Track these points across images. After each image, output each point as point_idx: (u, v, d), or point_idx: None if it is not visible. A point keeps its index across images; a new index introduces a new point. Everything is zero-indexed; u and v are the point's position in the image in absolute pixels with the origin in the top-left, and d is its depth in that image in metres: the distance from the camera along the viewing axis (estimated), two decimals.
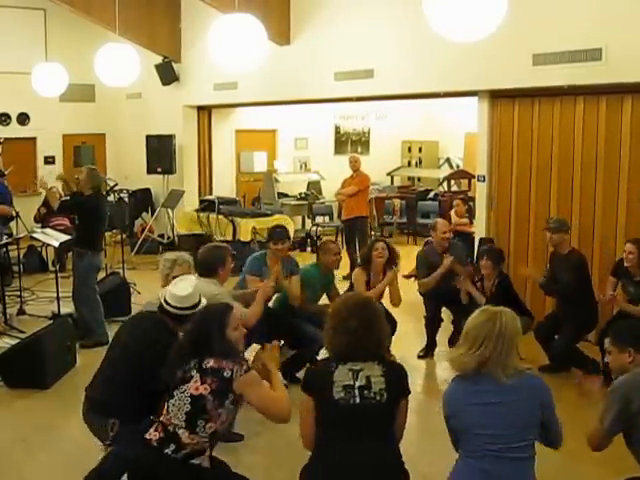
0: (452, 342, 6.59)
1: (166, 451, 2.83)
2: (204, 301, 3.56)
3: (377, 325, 2.98)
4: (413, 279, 7.08)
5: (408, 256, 6.99)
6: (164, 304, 3.48)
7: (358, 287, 5.90)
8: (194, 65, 11.24)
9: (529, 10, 6.66)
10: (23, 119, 12.36)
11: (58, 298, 7.26)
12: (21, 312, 7.62)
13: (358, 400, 2.85)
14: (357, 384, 2.86)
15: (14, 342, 6.24)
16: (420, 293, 6.52)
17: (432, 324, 6.48)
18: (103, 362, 3.67)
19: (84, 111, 12.74)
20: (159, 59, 11.53)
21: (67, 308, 7.21)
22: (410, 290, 6.74)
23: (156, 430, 2.89)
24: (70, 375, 5.98)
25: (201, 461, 2.85)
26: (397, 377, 2.95)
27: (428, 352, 6.53)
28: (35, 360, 5.63)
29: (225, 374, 2.84)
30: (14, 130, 12.06)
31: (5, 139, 10.38)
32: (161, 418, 2.95)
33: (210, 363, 2.88)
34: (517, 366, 2.83)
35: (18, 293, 7.88)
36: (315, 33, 9.28)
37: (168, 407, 2.94)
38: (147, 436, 2.89)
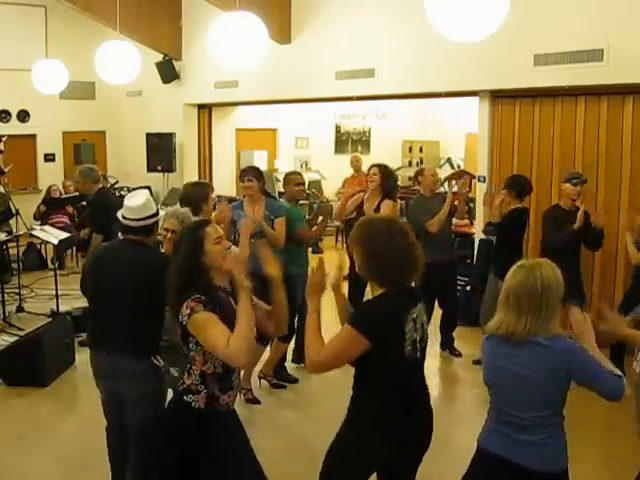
0: (443, 336, 6.59)
1: (179, 386, 2.91)
2: (162, 213, 3.65)
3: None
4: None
5: None
6: (123, 220, 3.50)
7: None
8: (195, 63, 11.23)
9: (530, 10, 6.65)
10: (23, 116, 12.35)
11: (57, 296, 7.27)
12: (20, 310, 7.60)
13: (419, 355, 2.76)
14: (418, 337, 2.74)
15: (13, 340, 6.24)
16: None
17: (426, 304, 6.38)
18: (100, 305, 3.58)
19: (84, 108, 12.74)
20: (160, 57, 11.52)
21: (66, 306, 7.21)
22: None
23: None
24: (69, 373, 5.97)
25: (193, 400, 2.84)
26: None
27: None
28: (34, 358, 5.62)
29: (180, 319, 2.78)
30: (14, 127, 12.05)
31: (6, 137, 10.35)
32: None
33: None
34: (556, 328, 2.63)
35: (17, 291, 7.87)
36: (316, 32, 9.27)
37: None
38: None
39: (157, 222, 3.60)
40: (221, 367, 2.83)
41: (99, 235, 6.04)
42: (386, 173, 6.12)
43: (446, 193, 6.85)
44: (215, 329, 2.71)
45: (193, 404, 2.83)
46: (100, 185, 6.93)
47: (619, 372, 2.60)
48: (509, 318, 2.64)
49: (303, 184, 5.87)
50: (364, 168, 10.00)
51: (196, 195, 4.55)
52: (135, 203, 3.51)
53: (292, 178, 5.88)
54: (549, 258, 5.37)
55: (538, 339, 2.61)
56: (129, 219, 3.50)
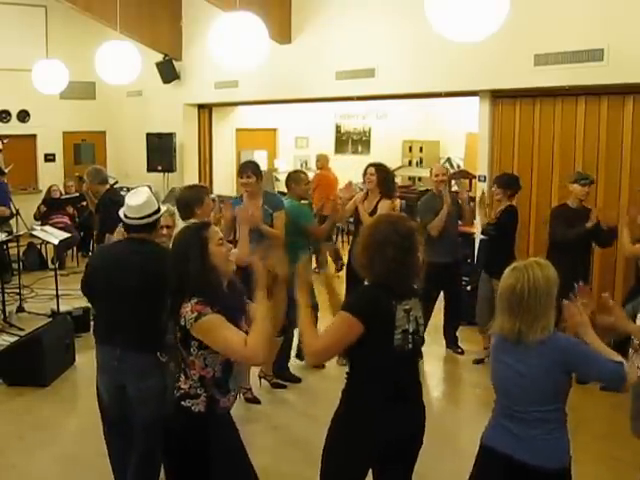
0: (447, 334, 6.63)
1: (174, 392, 2.84)
2: (164, 208, 3.71)
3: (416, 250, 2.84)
4: None
5: None
6: (125, 219, 3.53)
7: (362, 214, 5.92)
8: (195, 63, 11.24)
9: (531, 10, 6.65)
10: (23, 116, 12.36)
11: (57, 296, 7.27)
12: (20, 310, 7.61)
13: (411, 346, 2.80)
14: (411, 328, 2.80)
15: (13, 340, 6.24)
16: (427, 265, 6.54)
17: (427, 305, 6.37)
18: (108, 304, 3.59)
19: (84, 108, 12.74)
20: (160, 57, 11.52)
21: (66, 306, 7.21)
22: None
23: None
24: (69, 373, 5.98)
25: (192, 404, 2.79)
26: None
27: None
28: (34, 358, 5.62)
29: (181, 322, 2.72)
30: (14, 127, 12.06)
31: (8, 138, 10.37)
32: None
33: (180, 309, 2.75)
34: (549, 327, 2.68)
35: (17, 291, 7.87)
36: (316, 32, 9.27)
37: None
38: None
39: (159, 219, 3.62)
40: (220, 372, 2.80)
41: (111, 235, 6.05)
42: (383, 172, 6.16)
43: (456, 192, 6.92)
44: (228, 330, 2.70)
45: (193, 408, 2.79)
46: (108, 186, 6.94)
47: (619, 358, 2.63)
48: (504, 320, 2.72)
49: (310, 183, 5.93)
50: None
51: (190, 198, 4.54)
52: (136, 202, 3.52)
53: (303, 177, 5.90)
54: (558, 253, 5.49)
55: (534, 338, 2.65)
56: (131, 218, 3.52)
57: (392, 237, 2.77)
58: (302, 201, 5.94)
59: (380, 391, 2.78)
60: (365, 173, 6.12)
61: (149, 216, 3.51)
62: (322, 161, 10.88)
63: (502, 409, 2.78)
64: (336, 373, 3.08)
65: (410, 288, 2.85)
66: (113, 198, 6.45)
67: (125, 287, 3.44)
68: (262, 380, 5.64)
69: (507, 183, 6.08)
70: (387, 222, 2.89)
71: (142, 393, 3.46)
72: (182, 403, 2.80)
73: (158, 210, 3.60)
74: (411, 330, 2.79)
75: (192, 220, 4.43)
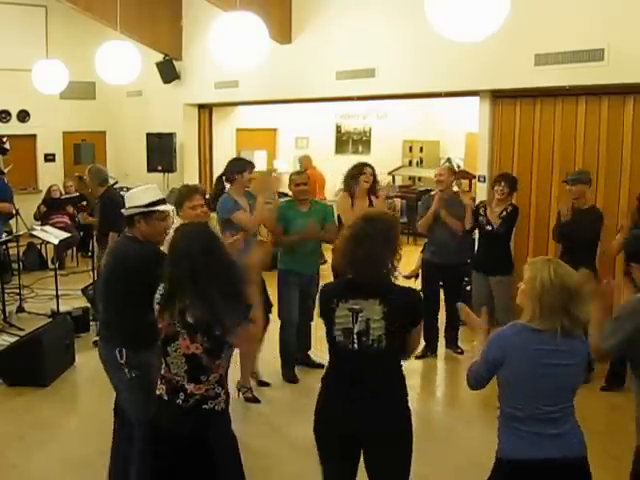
0: (447, 334, 6.63)
1: (177, 401, 2.78)
2: (169, 207, 3.80)
3: (380, 242, 2.82)
4: (414, 280, 7.06)
5: (408, 256, 6.95)
6: (125, 212, 3.59)
7: (344, 212, 5.96)
8: (195, 63, 11.24)
9: (531, 10, 6.65)
10: (23, 116, 12.36)
11: (57, 296, 7.27)
12: (20, 310, 7.60)
13: (356, 347, 2.81)
14: (356, 329, 2.80)
15: (13, 340, 6.24)
16: (422, 265, 6.71)
17: (431, 305, 6.38)
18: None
19: (84, 108, 12.74)
20: (160, 57, 11.52)
21: (66, 306, 7.21)
22: None
23: (162, 384, 2.84)
24: (69, 373, 5.97)
25: (214, 405, 2.79)
26: (401, 313, 2.82)
27: (427, 351, 6.47)
28: (34, 358, 5.62)
29: (216, 332, 2.69)
30: (14, 127, 12.06)
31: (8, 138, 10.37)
32: (163, 372, 2.84)
33: (196, 315, 2.68)
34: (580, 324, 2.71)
35: (17, 291, 7.87)
36: (316, 32, 9.27)
37: (167, 363, 2.81)
38: (157, 392, 2.86)
39: (141, 214, 3.55)
40: (228, 366, 2.90)
41: (115, 234, 6.06)
42: (375, 174, 6.21)
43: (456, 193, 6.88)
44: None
45: (216, 407, 2.80)
46: (107, 186, 6.93)
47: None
48: (557, 319, 2.64)
49: (304, 184, 5.87)
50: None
51: (175, 199, 4.71)
52: (128, 193, 3.66)
53: (293, 179, 5.90)
54: (568, 255, 5.51)
55: (580, 332, 2.70)
56: (127, 208, 3.61)
57: (359, 222, 2.90)
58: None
59: (337, 377, 2.91)
60: (363, 172, 6.07)
61: (129, 209, 3.56)
62: (305, 162, 11.06)
63: (529, 414, 2.68)
64: None
65: (369, 286, 2.81)
66: (112, 198, 6.45)
67: (107, 284, 3.58)
68: (258, 380, 5.62)
69: (512, 183, 6.19)
70: (366, 212, 3.10)
71: (114, 385, 3.55)
72: (204, 407, 2.77)
73: (145, 205, 3.55)
74: (357, 331, 2.80)
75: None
